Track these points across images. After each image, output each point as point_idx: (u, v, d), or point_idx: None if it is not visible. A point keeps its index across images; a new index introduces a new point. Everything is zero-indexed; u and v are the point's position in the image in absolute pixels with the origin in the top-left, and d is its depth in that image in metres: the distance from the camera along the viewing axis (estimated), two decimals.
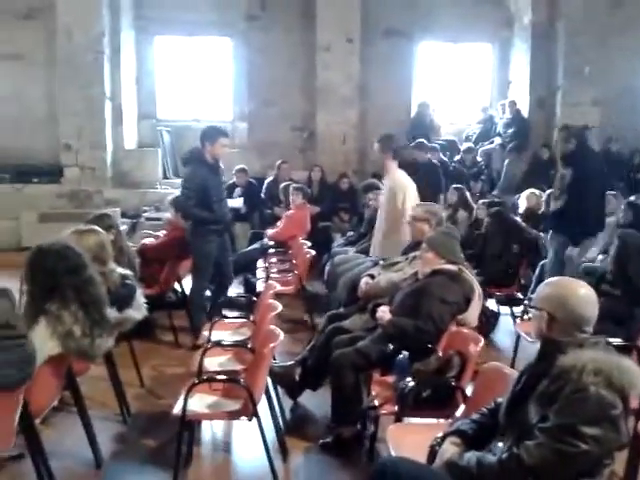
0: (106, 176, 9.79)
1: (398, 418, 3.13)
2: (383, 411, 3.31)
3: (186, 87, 10.74)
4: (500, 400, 2.41)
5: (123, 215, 8.94)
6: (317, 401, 4.07)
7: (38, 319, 3.08)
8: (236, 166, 8.80)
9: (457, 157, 10.02)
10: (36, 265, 3.13)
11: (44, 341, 3.00)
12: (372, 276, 4.31)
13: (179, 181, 6.87)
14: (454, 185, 7.88)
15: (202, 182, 5.20)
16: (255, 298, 4.76)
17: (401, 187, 5.22)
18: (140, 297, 4.02)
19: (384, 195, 5.47)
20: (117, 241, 4.47)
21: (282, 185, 8.30)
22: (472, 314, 3.60)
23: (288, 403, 4.09)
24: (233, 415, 3.14)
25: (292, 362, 4.17)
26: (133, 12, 10.24)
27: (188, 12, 10.10)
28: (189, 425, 3.23)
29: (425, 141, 8.74)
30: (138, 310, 3.92)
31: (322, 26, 9.81)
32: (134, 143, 10.42)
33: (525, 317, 4.99)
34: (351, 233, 7.73)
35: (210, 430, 3.89)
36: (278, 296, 4.39)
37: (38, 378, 2.82)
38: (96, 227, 4.01)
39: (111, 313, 3.41)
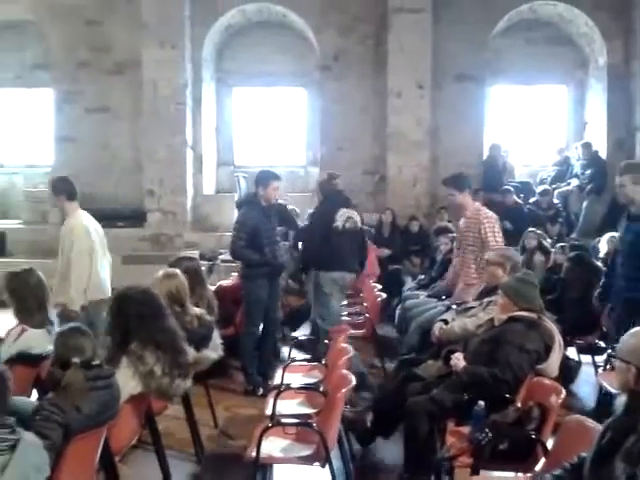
0: (186, 220, 10.22)
1: (474, 470, 3.02)
2: (458, 463, 3.20)
3: (262, 134, 11.15)
4: (584, 455, 2.30)
5: (201, 257, 9.23)
6: (389, 449, 4.00)
7: (120, 359, 3.21)
8: (309, 210, 8.94)
9: (532, 199, 9.81)
10: (113, 309, 3.28)
11: (126, 380, 3.11)
12: (445, 321, 4.24)
13: None
14: (530, 228, 7.69)
15: (254, 224, 5.21)
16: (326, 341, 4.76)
17: (487, 218, 5.04)
18: (217, 337, 4.11)
19: (463, 231, 5.29)
20: (196, 283, 4.60)
21: None
22: (552, 363, 3.47)
23: (359, 449, 4.04)
24: (306, 460, 3.13)
25: (363, 408, 4.12)
26: (214, 65, 10.81)
27: (265, 64, 10.58)
28: (262, 468, 3.24)
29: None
30: (214, 350, 4.02)
31: (393, 73, 9.97)
32: (213, 189, 10.85)
33: (608, 367, 4.75)
34: (422, 277, 7.66)
35: (281, 473, 3.88)
36: (348, 339, 4.38)
37: (120, 417, 2.92)
38: (175, 270, 4.16)
39: (189, 352, 3.51)
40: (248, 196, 5.53)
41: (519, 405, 3.25)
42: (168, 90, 9.98)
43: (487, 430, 3.03)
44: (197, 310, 4.12)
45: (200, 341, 3.94)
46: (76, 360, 2.70)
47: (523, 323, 3.50)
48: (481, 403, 3.20)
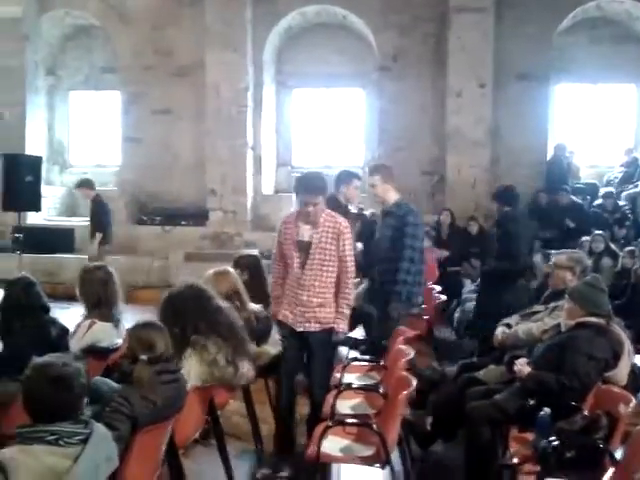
0: (246, 219, 10.40)
1: (539, 478, 2.95)
2: (522, 470, 3.14)
3: (320, 135, 11.21)
4: None
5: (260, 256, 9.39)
6: (449, 452, 3.95)
7: (184, 352, 3.28)
8: (367, 211, 8.93)
9: (597, 202, 9.50)
10: (167, 310, 3.36)
11: (192, 370, 3.19)
12: (509, 325, 4.15)
13: None
14: (597, 231, 7.46)
15: None
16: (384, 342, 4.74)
17: None
18: (275, 333, 4.16)
19: None
20: (256, 280, 4.67)
21: None
22: (621, 371, 3.36)
23: (419, 452, 4.01)
24: (367, 461, 3.13)
25: (423, 410, 4.09)
26: (274, 67, 10.96)
27: (324, 66, 10.65)
28: (322, 467, 3.26)
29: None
30: (274, 345, 4.07)
31: (454, 72, 9.85)
32: (271, 189, 10.98)
33: None
34: None
35: (340, 473, 3.88)
36: (405, 341, 4.35)
37: (184, 410, 2.99)
38: (227, 268, 4.23)
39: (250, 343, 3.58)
40: (329, 198, 5.48)
41: (586, 413, 3.15)
42: (230, 93, 10.19)
43: (553, 437, 2.96)
44: (254, 306, 4.19)
45: (260, 337, 4.00)
46: (143, 357, 2.77)
47: (591, 329, 3.40)
48: (547, 410, 3.12)
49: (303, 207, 3.85)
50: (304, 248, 3.85)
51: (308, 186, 3.85)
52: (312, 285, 3.82)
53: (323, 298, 3.85)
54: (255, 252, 5.41)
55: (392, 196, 4.78)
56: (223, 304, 3.51)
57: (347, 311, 3.93)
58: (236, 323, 3.50)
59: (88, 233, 8.48)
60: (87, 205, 11.18)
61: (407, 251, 4.60)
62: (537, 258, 5.76)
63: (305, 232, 3.86)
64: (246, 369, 3.40)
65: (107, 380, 3.12)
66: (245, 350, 3.42)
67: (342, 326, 3.91)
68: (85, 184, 8.46)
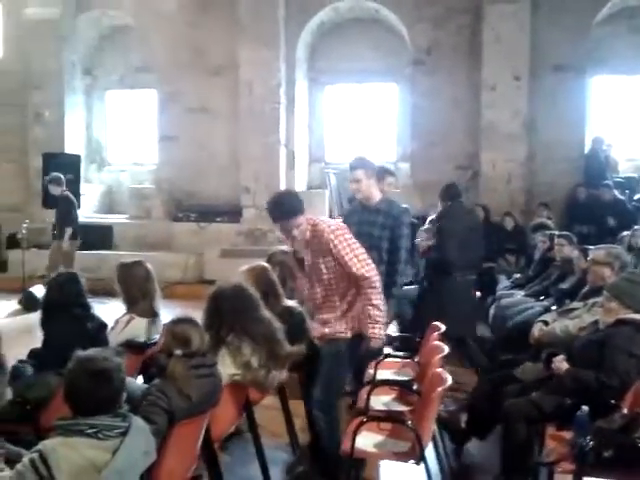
0: None
1: (577, 477, 2.91)
2: (559, 468, 3.09)
3: (352, 131, 11.19)
4: None
5: (293, 253, 9.41)
6: (484, 450, 3.92)
7: (219, 350, 3.32)
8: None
9: (638, 195, 9.27)
10: (209, 307, 3.40)
11: (225, 369, 3.22)
12: (546, 322, 4.09)
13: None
14: (636, 226, 7.27)
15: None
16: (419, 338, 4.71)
17: None
18: (310, 326, 4.17)
19: None
20: (289, 276, 4.68)
21: (429, 219, 8.26)
22: None
23: (454, 449, 3.98)
24: (401, 457, 3.12)
25: (458, 407, 4.06)
26: (307, 64, 10.98)
27: (356, 61, 10.61)
28: (356, 462, 3.26)
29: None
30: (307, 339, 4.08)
31: (488, 65, 9.71)
32: (304, 185, 11.02)
33: None
34: (518, 275, 7.42)
35: (374, 468, 3.89)
36: (440, 337, 4.31)
37: (220, 405, 3.03)
38: (260, 263, 4.25)
39: (285, 344, 3.59)
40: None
41: (625, 412, 3.09)
42: (263, 90, 10.24)
43: (591, 436, 2.91)
44: (289, 302, 4.20)
45: (293, 333, 4.01)
46: (178, 352, 2.81)
47: (632, 327, 3.32)
48: (585, 408, 3.07)
49: (286, 234, 3.58)
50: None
51: (284, 211, 3.48)
52: (317, 303, 3.70)
53: (328, 313, 3.66)
54: (287, 248, 5.40)
55: (376, 192, 4.50)
56: (266, 313, 3.51)
57: (375, 312, 3.50)
58: (275, 326, 3.51)
59: (56, 229, 8.65)
60: (125, 202, 11.51)
61: (403, 252, 4.41)
62: (574, 254, 5.65)
63: (305, 254, 3.70)
64: (279, 373, 3.42)
65: (132, 379, 3.18)
66: (279, 359, 3.44)
67: (374, 331, 3.50)
68: (53, 180, 8.62)
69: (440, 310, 4.99)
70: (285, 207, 3.48)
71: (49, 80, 11.04)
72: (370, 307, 3.51)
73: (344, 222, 4.39)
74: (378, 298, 3.53)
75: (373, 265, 3.57)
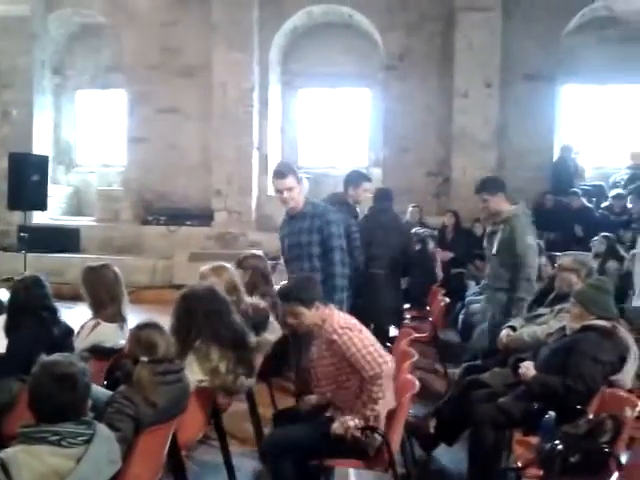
0: (250, 220, 10.41)
1: None
2: (526, 474, 3.12)
3: (325, 135, 11.21)
4: None
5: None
6: (452, 456, 3.94)
7: (186, 355, 3.28)
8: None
9: (604, 204, 9.45)
10: (180, 308, 3.36)
11: (193, 375, 3.19)
12: (513, 328, 4.13)
13: None
14: (603, 233, 7.41)
15: (345, 225, 4.86)
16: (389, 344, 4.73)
17: None
18: (274, 322, 4.19)
19: None
20: (260, 281, 4.68)
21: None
22: (627, 375, 3.33)
23: (422, 455, 3.99)
24: (369, 464, 3.11)
25: (427, 413, 4.08)
26: (280, 68, 10.97)
27: (329, 66, 10.64)
28: (325, 470, 3.25)
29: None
30: (273, 333, 4.10)
31: (460, 72, 9.81)
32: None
33: None
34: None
35: (343, 476, 3.87)
36: (409, 343, 4.33)
37: (187, 411, 2.99)
38: (223, 264, 4.25)
39: (251, 340, 3.58)
40: (337, 196, 5.28)
41: (591, 417, 3.14)
42: (236, 93, 10.21)
43: (558, 441, 2.95)
44: (251, 299, 4.20)
45: (258, 325, 4.02)
46: (144, 359, 2.77)
47: (597, 332, 3.38)
48: (551, 413, 3.11)
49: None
50: None
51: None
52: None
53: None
54: (259, 252, 5.38)
55: (302, 198, 4.26)
56: (237, 317, 3.49)
57: (367, 410, 3.07)
58: (244, 331, 3.48)
59: None
60: (93, 205, 11.33)
61: (336, 253, 4.12)
62: (542, 260, 5.73)
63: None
64: (246, 378, 3.40)
65: (97, 386, 3.12)
66: (248, 364, 3.41)
67: (350, 423, 3.05)
68: None
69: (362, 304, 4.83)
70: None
71: (18, 79, 10.83)
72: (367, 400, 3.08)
73: (280, 238, 4.35)
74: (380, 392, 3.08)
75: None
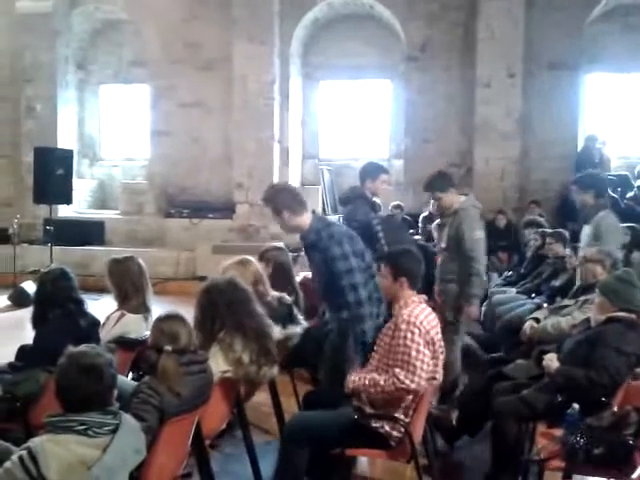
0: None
1: (567, 475, 2.92)
2: (549, 466, 3.10)
3: (346, 127, 11.18)
4: None
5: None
6: (475, 447, 3.93)
7: (210, 346, 3.31)
8: (392, 203, 8.92)
9: (630, 194, 9.30)
10: (203, 301, 3.39)
11: (217, 366, 3.21)
12: (537, 320, 4.10)
13: (336, 218, 7.02)
14: (627, 224, 7.29)
15: (366, 218, 4.96)
16: None
17: None
18: (298, 314, 4.22)
19: None
20: (282, 273, 4.70)
21: (422, 216, 8.38)
22: None
23: (444, 446, 3.99)
24: (392, 456, 3.12)
25: (449, 405, 4.07)
26: (301, 60, 10.95)
27: (351, 57, 10.60)
28: (347, 460, 3.26)
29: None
30: (298, 325, 4.14)
31: (482, 62, 9.72)
32: (298, 181, 11.00)
33: None
34: (509, 273, 7.43)
35: (366, 466, 3.89)
36: None
37: (211, 401, 3.02)
38: (248, 257, 4.27)
39: (276, 332, 3.60)
40: (355, 191, 5.13)
41: (616, 409, 3.11)
42: (257, 86, 10.22)
43: (581, 434, 2.92)
44: (276, 293, 4.22)
45: (285, 318, 4.04)
46: (168, 348, 2.80)
47: (622, 324, 3.33)
48: (575, 406, 3.08)
49: None
50: None
51: None
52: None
53: None
54: (281, 244, 5.39)
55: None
56: (259, 308, 3.51)
57: (371, 389, 3.17)
58: (266, 322, 3.51)
59: None
60: (117, 198, 11.47)
61: (344, 278, 3.49)
62: (566, 251, 5.67)
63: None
64: (269, 369, 3.42)
65: (123, 377, 3.16)
66: (271, 355, 3.43)
67: (350, 379, 3.25)
68: None
69: None
70: None
71: (42, 74, 10.97)
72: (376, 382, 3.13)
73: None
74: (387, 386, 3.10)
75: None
